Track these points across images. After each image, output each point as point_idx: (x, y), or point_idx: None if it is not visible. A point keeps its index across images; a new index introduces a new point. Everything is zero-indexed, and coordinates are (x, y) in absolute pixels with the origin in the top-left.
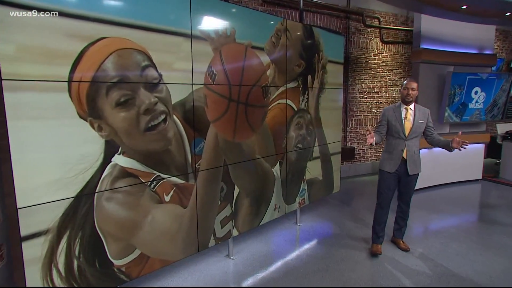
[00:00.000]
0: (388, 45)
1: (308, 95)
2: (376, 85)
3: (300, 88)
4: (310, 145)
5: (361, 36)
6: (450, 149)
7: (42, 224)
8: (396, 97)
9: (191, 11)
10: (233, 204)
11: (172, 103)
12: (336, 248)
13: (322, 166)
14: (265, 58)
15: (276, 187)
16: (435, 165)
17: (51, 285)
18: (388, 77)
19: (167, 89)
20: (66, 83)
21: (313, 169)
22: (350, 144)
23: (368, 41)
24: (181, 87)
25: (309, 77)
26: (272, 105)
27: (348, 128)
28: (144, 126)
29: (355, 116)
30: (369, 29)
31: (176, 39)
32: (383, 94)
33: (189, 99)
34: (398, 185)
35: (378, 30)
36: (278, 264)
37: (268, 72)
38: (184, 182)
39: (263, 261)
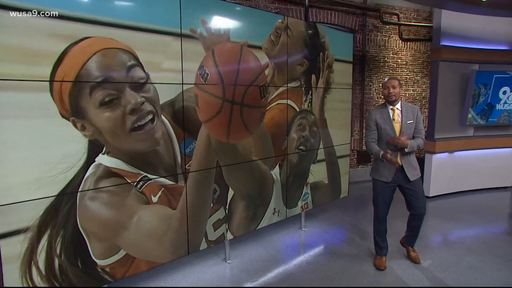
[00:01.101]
0: (408, 43)
1: (312, 95)
2: None
3: (303, 88)
4: (314, 147)
5: (379, 33)
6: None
7: (21, 222)
8: (417, 98)
9: (181, 9)
10: (227, 207)
11: (161, 103)
12: (338, 256)
13: (328, 169)
14: (263, 57)
15: (275, 190)
16: (457, 170)
17: (30, 284)
18: (408, 77)
19: (155, 89)
20: (48, 83)
21: (318, 173)
22: None
23: (386, 38)
24: (170, 87)
25: (313, 77)
26: (271, 105)
27: (364, 130)
28: (130, 126)
29: None
30: (387, 26)
31: (164, 38)
32: (403, 94)
33: (178, 99)
34: (404, 196)
35: (397, 27)
36: (275, 270)
37: (266, 72)
38: (173, 183)
39: (260, 266)
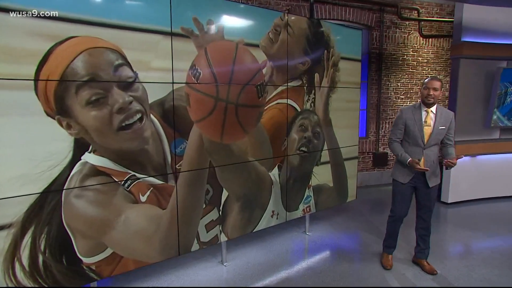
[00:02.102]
0: (430, 39)
1: (315, 94)
2: (415, 84)
3: (305, 87)
4: (317, 148)
5: (397, 30)
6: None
7: (5, 218)
8: (440, 98)
9: (171, 7)
10: (220, 208)
11: (150, 102)
12: (340, 263)
13: (333, 172)
14: (261, 56)
15: (274, 192)
16: (479, 175)
17: (13, 279)
18: (430, 75)
19: (144, 88)
20: (32, 81)
21: (322, 175)
22: (383, 149)
23: (406, 35)
24: (160, 86)
25: (316, 76)
26: (269, 105)
27: (380, 132)
28: (118, 125)
29: (389, 118)
30: (407, 22)
31: (153, 37)
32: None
33: (168, 99)
34: (416, 197)
35: (417, 23)
36: (272, 275)
37: (264, 70)
38: (162, 183)
39: (256, 270)
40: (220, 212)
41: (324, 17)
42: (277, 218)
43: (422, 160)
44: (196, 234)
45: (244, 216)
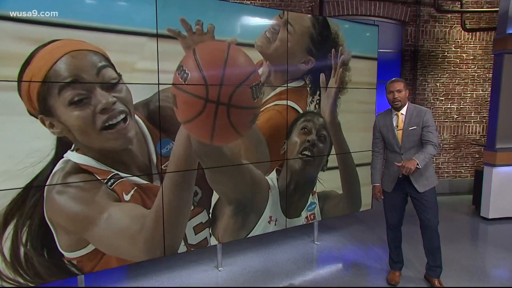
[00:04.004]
0: (478, 33)
1: (320, 95)
2: (458, 84)
3: (308, 88)
4: (322, 153)
5: (437, 24)
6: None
7: None
8: (487, 99)
9: (157, 9)
10: (210, 211)
11: (134, 103)
12: (342, 277)
13: (343, 178)
14: (257, 56)
15: (271, 197)
16: None
17: None
18: (476, 74)
19: (128, 89)
20: (16, 82)
21: (329, 181)
22: None
23: (447, 30)
24: (145, 87)
25: (322, 76)
26: (266, 106)
27: None
28: (101, 125)
29: None
30: (448, 15)
31: (138, 39)
32: (468, 95)
33: (154, 99)
34: (415, 209)
35: (460, 16)
36: (265, 283)
37: (260, 71)
38: (147, 182)
39: (250, 278)
40: (210, 215)
41: (350, 13)
42: (275, 225)
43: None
44: (183, 236)
45: (237, 221)
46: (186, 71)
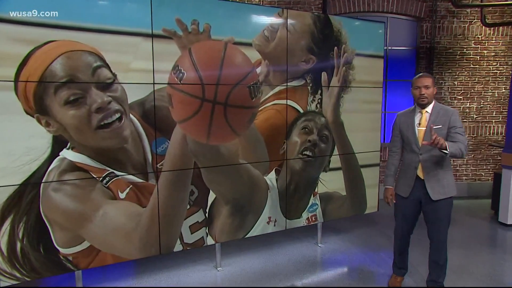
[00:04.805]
0: (500, 28)
1: (321, 95)
2: (478, 82)
3: (309, 87)
4: (324, 153)
5: (454, 19)
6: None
7: None
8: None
9: (152, 9)
10: (206, 210)
11: (130, 102)
12: (342, 281)
13: (346, 179)
14: (255, 55)
15: (270, 198)
16: None
17: None
18: (498, 71)
19: (123, 88)
20: (13, 82)
21: (331, 182)
22: None
23: (465, 25)
24: (140, 87)
25: (324, 74)
26: (265, 106)
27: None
28: (96, 124)
29: None
30: (467, 10)
31: (133, 39)
32: (489, 94)
33: (149, 99)
34: (424, 216)
35: (480, 10)
36: (262, 284)
37: (258, 70)
38: (142, 181)
39: (248, 279)
40: (206, 214)
41: (362, 10)
42: (274, 225)
43: (420, 168)
44: (179, 235)
45: (235, 221)
46: (182, 71)
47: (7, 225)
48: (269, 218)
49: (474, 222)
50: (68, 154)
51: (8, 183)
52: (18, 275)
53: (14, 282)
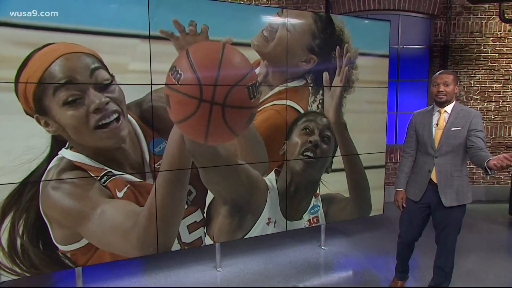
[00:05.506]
0: None
1: (323, 95)
2: (497, 81)
3: (310, 87)
4: (326, 154)
5: (471, 16)
6: (485, 170)
7: None
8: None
9: (149, 11)
10: (205, 210)
11: (127, 103)
12: (343, 284)
13: (350, 180)
14: (253, 55)
15: (270, 199)
16: None
17: None
18: None
19: (120, 89)
20: (13, 84)
21: (334, 184)
22: None
23: (483, 22)
24: (138, 88)
25: (325, 74)
26: (264, 106)
27: None
28: (94, 124)
29: None
30: (485, 5)
31: (130, 41)
32: (509, 93)
33: (146, 99)
34: (433, 221)
35: (498, 5)
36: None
37: (257, 70)
38: (140, 180)
39: (248, 280)
40: (205, 214)
41: (373, 8)
42: (274, 226)
43: (434, 172)
44: (176, 234)
45: (233, 221)
46: (179, 72)
47: (7, 222)
48: (269, 219)
49: (490, 227)
50: (66, 153)
51: (9, 181)
52: (18, 270)
53: (15, 277)
